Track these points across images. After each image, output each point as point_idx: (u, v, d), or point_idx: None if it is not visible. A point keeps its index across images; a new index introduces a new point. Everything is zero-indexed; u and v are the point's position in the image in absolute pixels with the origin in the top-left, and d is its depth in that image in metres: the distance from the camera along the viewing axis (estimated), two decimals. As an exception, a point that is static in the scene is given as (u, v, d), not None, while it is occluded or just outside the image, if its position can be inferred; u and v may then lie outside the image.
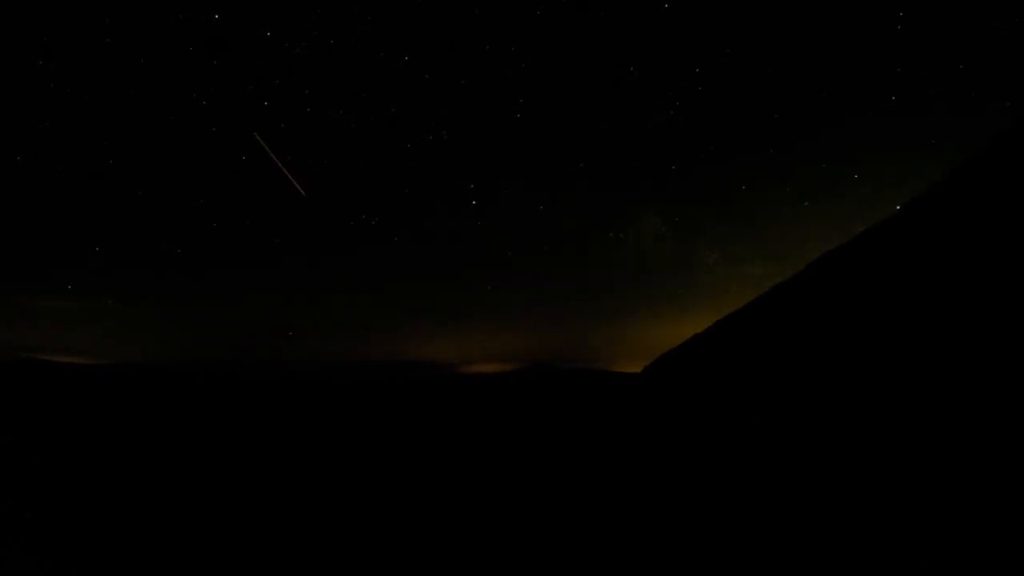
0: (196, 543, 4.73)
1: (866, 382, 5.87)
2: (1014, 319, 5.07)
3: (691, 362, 11.62)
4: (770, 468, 5.17)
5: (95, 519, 5.36)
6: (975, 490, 3.55)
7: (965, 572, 3.00)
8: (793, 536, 3.86)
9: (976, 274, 6.21)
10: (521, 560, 4.18)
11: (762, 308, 10.87)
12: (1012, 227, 6.46)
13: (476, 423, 15.07)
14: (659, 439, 7.83)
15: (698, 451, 6.48)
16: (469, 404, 22.77)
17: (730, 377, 9.01)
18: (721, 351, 10.76)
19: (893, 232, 9.40)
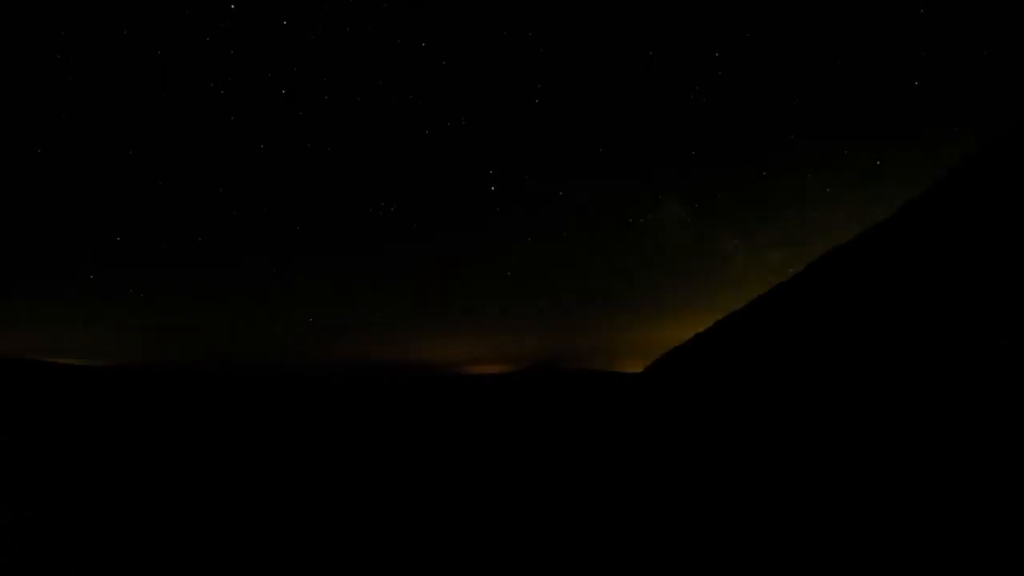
0: (196, 544, 4.71)
1: (867, 383, 5.86)
2: (1014, 320, 5.06)
3: (692, 361, 11.60)
4: (771, 468, 5.16)
5: (95, 519, 5.34)
6: (975, 490, 3.53)
7: (965, 572, 2.98)
8: (794, 536, 3.85)
9: (976, 275, 6.21)
10: (523, 561, 4.16)
11: (764, 307, 10.86)
12: (1012, 227, 6.45)
13: (478, 425, 15.07)
14: (660, 439, 7.82)
15: (699, 451, 6.46)
16: (471, 405, 22.77)
17: (731, 377, 8.99)
18: (723, 351, 10.75)
19: (894, 232, 9.39)
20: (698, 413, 8.28)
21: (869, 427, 5.05)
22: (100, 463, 8.21)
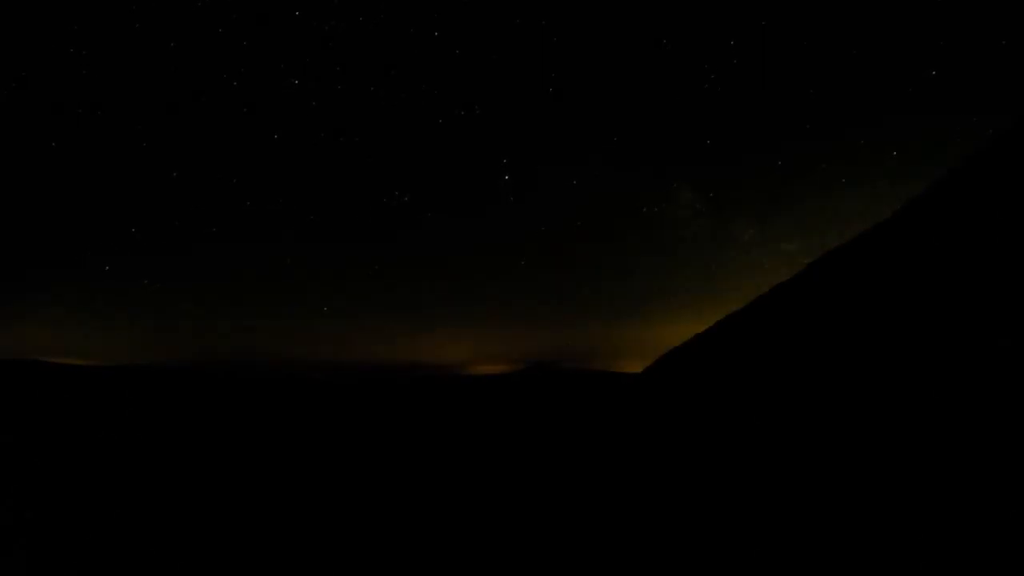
0: (196, 544, 4.70)
1: (867, 383, 5.85)
2: (1014, 320, 5.06)
3: (692, 362, 11.60)
4: (771, 469, 5.15)
5: (95, 519, 5.34)
6: (975, 490, 3.53)
7: (965, 572, 2.98)
8: (794, 536, 3.84)
9: (976, 274, 6.21)
10: (523, 560, 4.16)
11: (764, 307, 10.86)
12: (1012, 227, 6.45)
13: (478, 425, 15.06)
14: (658, 440, 7.82)
15: (698, 452, 6.46)
16: (471, 405, 22.77)
17: (731, 377, 8.99)
18: (722, 351, 10.74)
19: (894, 231, 9.39)
20: (697, 414, 8.28)
21: (869, 427, 5.05)
22: (100, 463, 8.20)
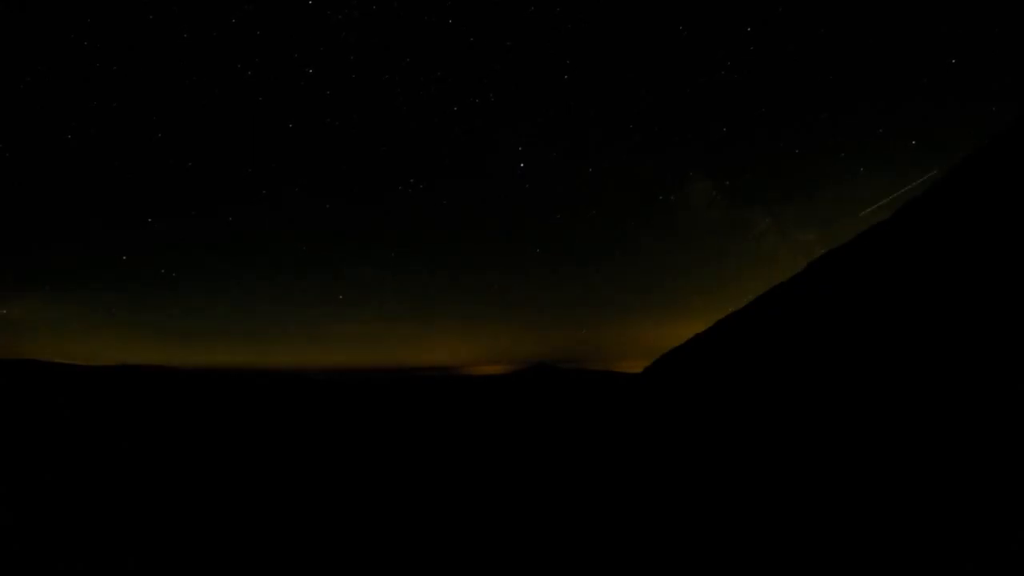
0: (197, 543, 4.71)
1: (866, 383, 5.85)
2: (1014, 320, 5.05)
3: (691, 362, 11.60)
4: (770, 469, 5.15)
5: (95, 519, 5.34)
6: (975, 491, 3.53)
7: (965, 572, 2.98)
8: (793, 536, 3.84)
9: (976, 275, 6.21)
10: (523, 560, 4.16)
11: (764, 307, 10.87)
12: (1012, 227, 6.45)
13: (478, 425, 15.06)
14: (657, 440, 7.81)
15: (697, 452, 6.46)
16: (471, 405, 22.76)
17: (731, 378, 8.99)
18: (722, 351, 10.74)
19: (894, 232, 9.39)
20: (696, 414, 8.28)
21: (868, 428, 5.05)
22: (100, 463, 8.20)
